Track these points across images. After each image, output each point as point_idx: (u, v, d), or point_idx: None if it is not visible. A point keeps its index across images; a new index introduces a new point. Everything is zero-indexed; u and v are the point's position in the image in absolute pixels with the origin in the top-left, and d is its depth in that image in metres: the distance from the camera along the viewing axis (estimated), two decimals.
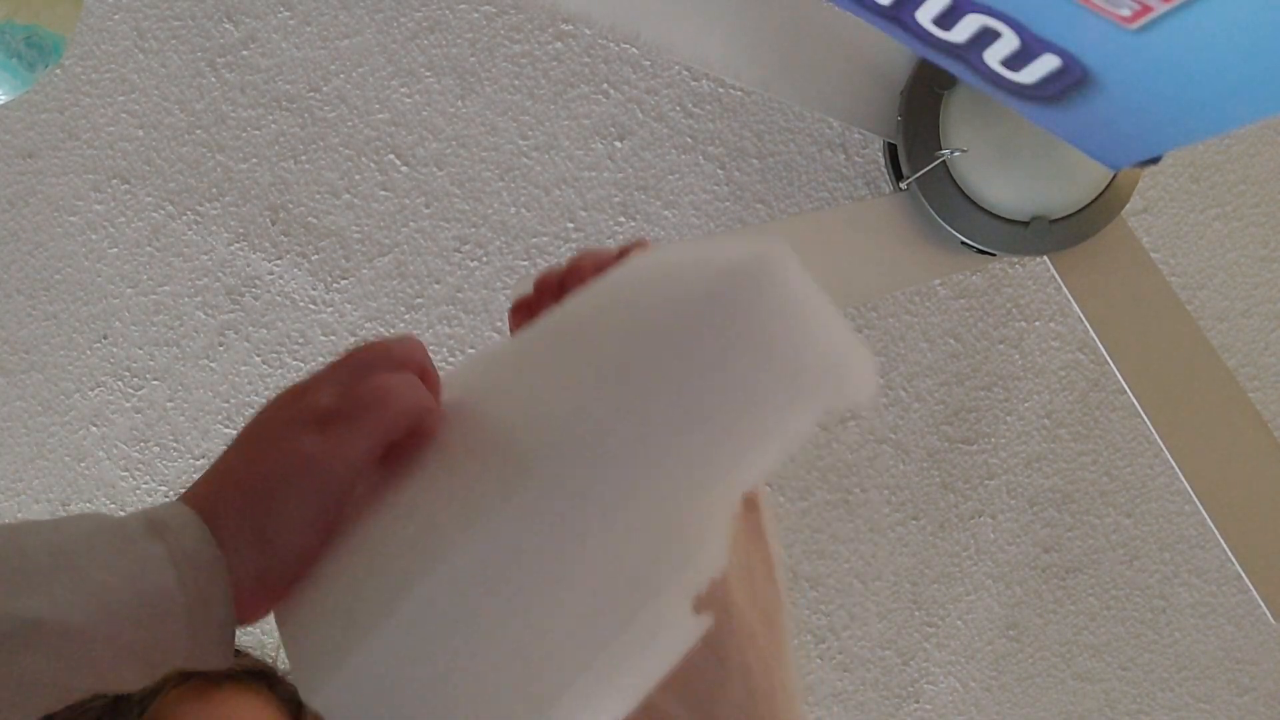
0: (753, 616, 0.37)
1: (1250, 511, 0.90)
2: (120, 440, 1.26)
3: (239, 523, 0.36)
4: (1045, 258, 0.94)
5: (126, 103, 1.19)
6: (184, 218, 1.21)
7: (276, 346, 1.23)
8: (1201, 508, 0.90)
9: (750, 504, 0.39)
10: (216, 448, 1.25)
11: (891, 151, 0.96)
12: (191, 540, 0.35)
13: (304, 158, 1.20)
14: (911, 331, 1.24)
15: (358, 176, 1.20)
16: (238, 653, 0.51)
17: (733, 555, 0.35)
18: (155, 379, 1.24)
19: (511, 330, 0.48)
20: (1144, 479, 1.27)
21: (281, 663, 0.56)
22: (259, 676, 0.53)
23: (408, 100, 1.19)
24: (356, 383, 0.39)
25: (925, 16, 0.63)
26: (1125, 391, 0.91)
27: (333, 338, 1.22)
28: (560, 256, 1.22)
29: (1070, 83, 0.61)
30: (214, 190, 1.20)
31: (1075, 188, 0.90)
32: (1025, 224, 0.91)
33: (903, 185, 0.93)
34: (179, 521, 0.35)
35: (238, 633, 0.36)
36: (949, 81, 0.89)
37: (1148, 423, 0.91)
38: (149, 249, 1.22)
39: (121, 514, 0.36)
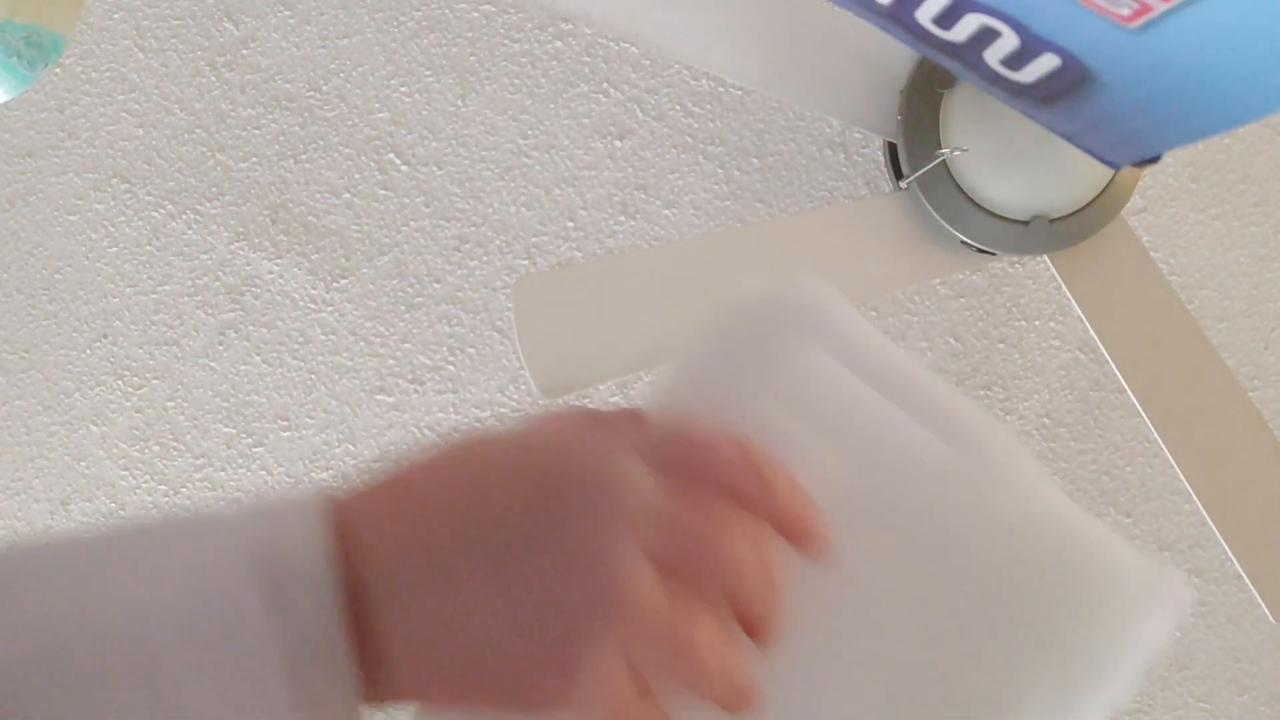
0: None
1: (1250, 511, 0.90)
2: (120, 440, 1.26)
3: (415, 588, 0.27)
4: (1045, 257, 0.94)
5: (126, 102, 1.19)
6: (184, 217, 1.21)
7: (276, 346, 1.23)
8: (1201, 508, 0.89)
9: None
10: (217, 447, 1.25)
11: (891, 151, 0.95)
12: (317, 618, 0.26)
13: (304, 157, 1.20)
14: (911, 331, 1.24)
15: (358, 176, 1.20)
16: None
17: None
18: (155, 378, 1.24)
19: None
20: (1144, 479, 1.27)
21: None
22: None
23: (408, 100, 1.19)
24: (694, 518, 0.29)
25: (925, 16, 0.63)
26: (1125, 391, 0.91)
27: (333, 337, 1.22)
28: (560, 256, 1.22)
29: (1070, 82, 0.61)
30: (214, 190, 1.20)
31: (1075, 187, 0.90)
32: (1025, 223, 0.91)
33: (902, 185, 0.93)
34: (307, 578, 0.26)
35: None
36: (949, 81, 0.89)
37: (1148, 423, 0.90)
38: (149, 248, 1.22)
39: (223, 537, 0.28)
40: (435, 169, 1.20)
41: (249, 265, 1.21)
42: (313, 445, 1.25)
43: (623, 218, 1.21)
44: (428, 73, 1.18)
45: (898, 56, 0.89)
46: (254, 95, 1.19)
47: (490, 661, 0.27)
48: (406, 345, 1.23)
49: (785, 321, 0.35)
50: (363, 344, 1.23)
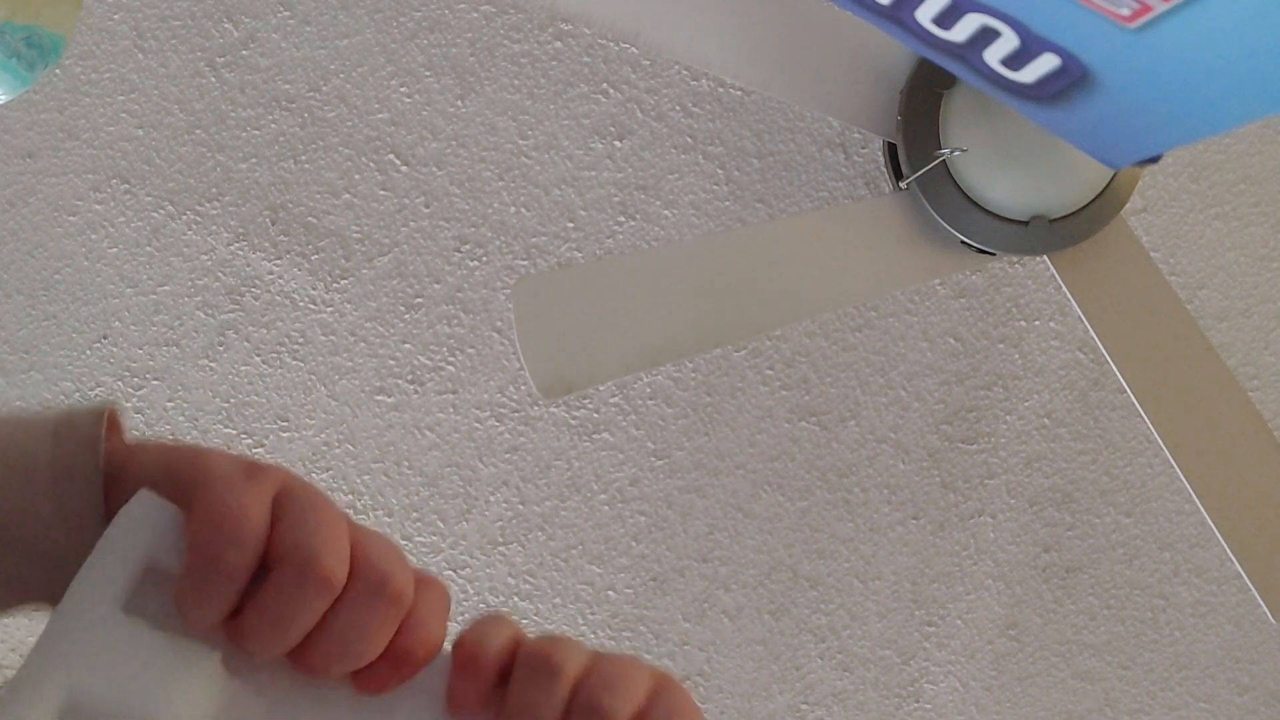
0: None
1: (1250, 511, 0.90)
2: None
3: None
4: (1045, 257, 0.94)
5: (126, 103, 1.19)
6: (184, 218, 1.21)
7: (276, 346, 1.23)
8: (1201, 507, 0.90)
9: None
10: (217, 447, 1.25)
11: (891, 151, 0.96)
12: (83, 421, 0.36)
13: (304, 158, 1.20)
14: (911, 331, 1.24)
15: (358, 176, 1.20)
16: None
17: None
18: (155, 379, 1.24)
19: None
20: (1144, 479, 1.27)
21: None
22: None
23: (407, 100, 1.19)
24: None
25: (925, 16, 0.63)
26: (1125, 391, 0.91)
27: (333, 337, 1.23)
28: (560, 256, 1.22)
29: (1070, 82, 0.61)
30: (214, 190, 1.20)
31: (1075, 187, 0.90)
32: (1025, 223, 0.91)
33: (902, 185, 0.93)
34: (86, 412, 0.36)
35: None
36: (949, 81, 0.89)
37: (1148, 423, 0.91)
38: (149, 249, 1.22)
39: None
40: (435, 169, 1.20)
41: (249, 266, 1.21)
42: (313, 445, 1.25)
43: (623, 218, 1.21)
44: (428, 73, 1.18)
45: (898, 56, 0.89)
46: (254, 96, 1.19)
47: None
48: (406, 345, 1.23)
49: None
50: (363, 344, 1.23)
